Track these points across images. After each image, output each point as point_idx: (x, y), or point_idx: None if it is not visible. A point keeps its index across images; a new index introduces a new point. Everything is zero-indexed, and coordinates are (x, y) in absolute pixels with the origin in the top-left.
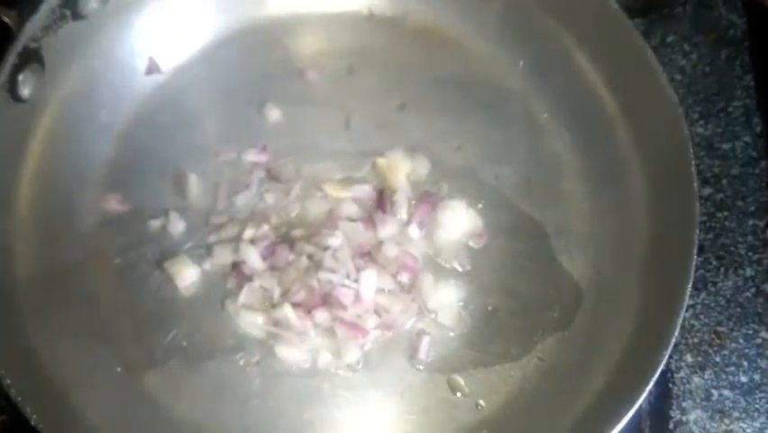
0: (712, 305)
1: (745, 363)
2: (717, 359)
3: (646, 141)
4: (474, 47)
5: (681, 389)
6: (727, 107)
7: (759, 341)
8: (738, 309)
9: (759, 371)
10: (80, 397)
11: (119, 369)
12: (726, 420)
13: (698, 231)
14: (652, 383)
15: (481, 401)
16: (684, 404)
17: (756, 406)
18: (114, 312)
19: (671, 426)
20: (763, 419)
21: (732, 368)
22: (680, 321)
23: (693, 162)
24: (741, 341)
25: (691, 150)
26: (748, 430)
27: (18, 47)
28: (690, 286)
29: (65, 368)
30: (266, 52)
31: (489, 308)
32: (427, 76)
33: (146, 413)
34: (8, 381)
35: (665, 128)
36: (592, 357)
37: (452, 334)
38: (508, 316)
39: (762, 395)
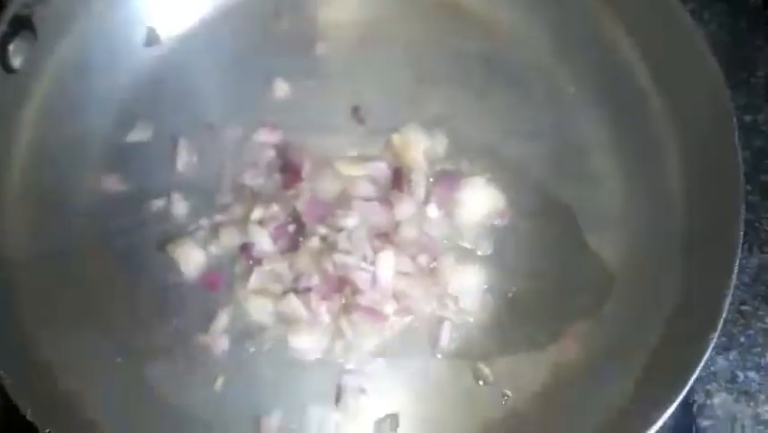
0: (737, 284)
1: None
2: (742, 339)
3: (684, 113)
4: (496, 18)
5: (706, 371)
6: (750, 79)
7: None
8: (763, 288)
9: None
10: (77, 387)
11: (119, 358)
12: (753, 403)
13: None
14: (696, 374)
15: (507, 391)
16: (708, 387)
17: None
18: (113, 298)
19: (695, 410)
20: None
21: (758, 349)
22: (727, 305)
23: (737, 134)
24: (767, 320)
25: (735, 121)
26: None
27: (9, 14)
28: (737, 265)
29: (61, 356)
30: (273, 23)
31: (514, 292)
32: (446, 48)
33: (147, 403)
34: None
35: (705, 99)
36: (625, 345)
37: (474, 320)
38: (534, 301)
39: None
